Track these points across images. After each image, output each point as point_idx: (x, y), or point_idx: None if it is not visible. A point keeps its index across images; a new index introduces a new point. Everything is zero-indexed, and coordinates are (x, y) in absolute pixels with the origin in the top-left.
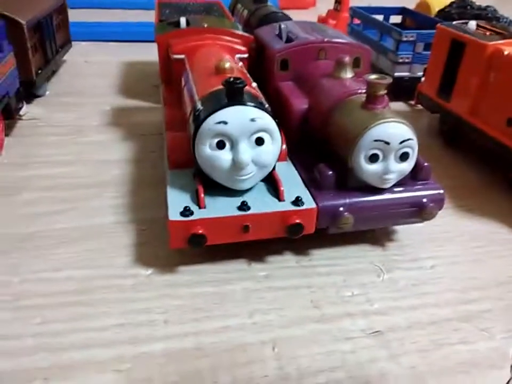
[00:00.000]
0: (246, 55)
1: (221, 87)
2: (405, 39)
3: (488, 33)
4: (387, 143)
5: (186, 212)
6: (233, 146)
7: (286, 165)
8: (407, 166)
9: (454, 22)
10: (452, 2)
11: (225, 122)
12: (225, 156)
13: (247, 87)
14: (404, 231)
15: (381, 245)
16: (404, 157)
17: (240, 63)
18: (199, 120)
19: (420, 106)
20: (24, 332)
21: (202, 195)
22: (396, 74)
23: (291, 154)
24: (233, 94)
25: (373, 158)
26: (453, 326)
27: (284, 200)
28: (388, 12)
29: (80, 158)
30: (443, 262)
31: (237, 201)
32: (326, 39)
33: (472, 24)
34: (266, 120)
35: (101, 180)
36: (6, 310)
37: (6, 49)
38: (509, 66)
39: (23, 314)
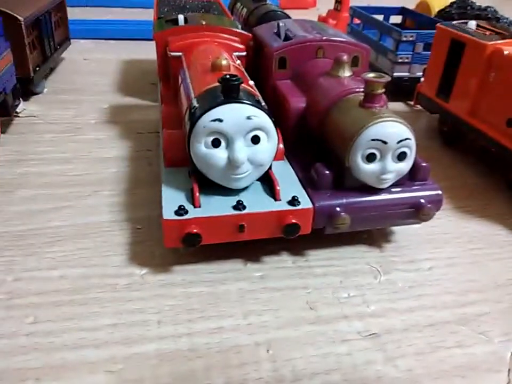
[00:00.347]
0: (244, 53)
1: (217, 84)
2: (404, 39)
3: (488, 33)
4: (384, 142)
5: (181, 210)
6: (229, 145)
7: (282, 164)
8: (405, 166)
9: (454, 22)
10: (452, 3)
11: (220, 120)
12: (220, 154)
13: (243, 85)
14: (401, 232)
15: (378, 246)
16: (401, 156)
17: (238, 61)
18: (194, 118)
19: (419, 107)
20: (16, 331)
21: (197, 194)
22: (395, 74)
23: (288, 154)
24: (229, 91)
25: (370, 158)
26: (450, 328)
27: (280, 200)
28: (387, 11)
29: (76, 155)
30: (441, 264)
31: (233, 200)
32: (324, 37)
33: (472, 24)
34: (262, 118)
35: (97, 178)
36: None
37: (2, 45)
38: (509, 66)
39: (16, 313)
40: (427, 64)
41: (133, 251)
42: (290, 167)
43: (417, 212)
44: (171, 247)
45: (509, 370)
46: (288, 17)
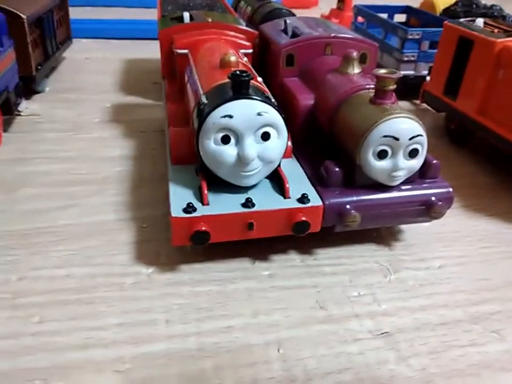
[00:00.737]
0: (250, 51)
1: (226, 80)
2: (410, 37)
3: (496, 30)
4: (396, 139)
5: (189, 208)
6: (239, 141)
7: (291, 161)
8: (416, 163)
9: (461, 20)
10: (458, 1)
11: (230, 116)
12: (230, 151)
13: (253, 81)
14: (410, 230)
15: (387, 244)
16: (413, 153)
17: (245, 58)
18: (203, 114)
19: (424, 105)
20: (22, 330)
21: (206, 191)
22: (401, 72)
23: (296, 151)
24: (239, 87)
25: (382, 155)
26: (463, 327)
27: (289, 198)
28: (392, 10)
29: (80, 154)
30: (451, 262)
31: (241, 198)
32: (332, 34)
33: (480, 21)
34: (273, 115)
35: (101, 177)
36: (4, 308)
37: (6, 43)
38: None
39: (22, 313)
40: (434, 62)
41: (139, 250)
42: (299, 164)
43: (428, 210)
44: (179, 245)
45: None
46: (293, 15)
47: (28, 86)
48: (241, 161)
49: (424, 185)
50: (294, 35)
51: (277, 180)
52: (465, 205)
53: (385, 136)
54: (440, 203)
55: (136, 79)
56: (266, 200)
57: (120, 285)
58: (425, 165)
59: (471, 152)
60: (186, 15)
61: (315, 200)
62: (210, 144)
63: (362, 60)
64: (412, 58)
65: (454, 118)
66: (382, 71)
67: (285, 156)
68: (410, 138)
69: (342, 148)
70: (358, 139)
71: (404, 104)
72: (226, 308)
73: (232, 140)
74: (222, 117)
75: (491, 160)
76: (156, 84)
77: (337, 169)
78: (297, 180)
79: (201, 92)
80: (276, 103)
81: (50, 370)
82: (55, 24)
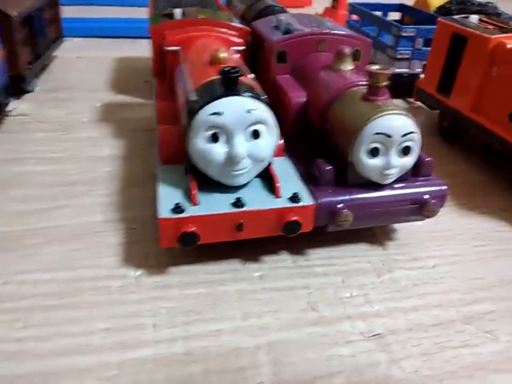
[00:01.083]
0: (242, 47)
1: (216, 77)
2: (404, 34)
3: (490, 27)
4: (389, 136)
5: (177, 208)
6: (228, 139)
7: (282, 160)
8: (409, 160)
9: (455, 16)
10: None
11: (220, 113)
12: (219, 149)
13: (243, 78)
14: (403, 229)
15: (380, 244)
16: (406, 151)
17: (237, 55)
18: (192, 111)
19: (418, 103)
20: (6, 336)
21: (194, 191)
22: (395, 70)
23: (288, 149)
24: (229, 84)
25: (374, 152)
26: (456, 328)
27: (280, 197)
28: (386, 8)
29: (69, 154)
30: (445, 262)
31: (231, 197)
32: (325, 31)
33: (474, 18)
34: (263, 112)
35: (90, 177)
36: None
37: None
38: None
39: (6, 318)
40: (427, 60)
41: (127, 252)
42: (290, 163)
43: (421, 208)
44: (167, 247)
45: None
46: (287, 12)
47: (18, 85)
48: (231, 160)
49: (417, 183)
50: (287, 32)
51: (268, 179)
52: (459, 203)
53: (377, 133)
54: (433, 201)
55: (127, 78)
56: (256, 199)
57: (107, 288)
58: (418, 162)
59: (464, 149)
60: (178, 12)
61: (306, 199)
62: (199, 142)
63: (355, 56)
64: (406, 56)
65: (447, 116)
66: (375, 66)
67: (277, 154)
68: (403, 135)
69: (334, 145)
70: (350, 136)
71: (398, 102)
72: (216, 310)
73: (222, 138)
74: (211, 114)
75: (484, 157)
76: (147, 82)
77: (329, 167)
78: (289, 178)
79: (190, 88)
80: (266, 100)
81: (34, 378)
82: (45, 23)
